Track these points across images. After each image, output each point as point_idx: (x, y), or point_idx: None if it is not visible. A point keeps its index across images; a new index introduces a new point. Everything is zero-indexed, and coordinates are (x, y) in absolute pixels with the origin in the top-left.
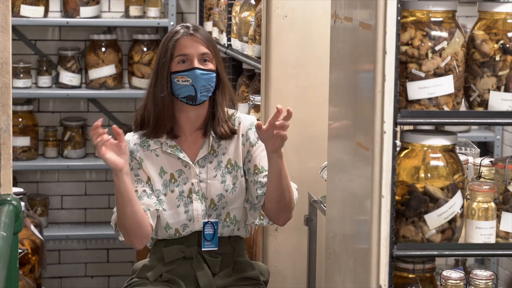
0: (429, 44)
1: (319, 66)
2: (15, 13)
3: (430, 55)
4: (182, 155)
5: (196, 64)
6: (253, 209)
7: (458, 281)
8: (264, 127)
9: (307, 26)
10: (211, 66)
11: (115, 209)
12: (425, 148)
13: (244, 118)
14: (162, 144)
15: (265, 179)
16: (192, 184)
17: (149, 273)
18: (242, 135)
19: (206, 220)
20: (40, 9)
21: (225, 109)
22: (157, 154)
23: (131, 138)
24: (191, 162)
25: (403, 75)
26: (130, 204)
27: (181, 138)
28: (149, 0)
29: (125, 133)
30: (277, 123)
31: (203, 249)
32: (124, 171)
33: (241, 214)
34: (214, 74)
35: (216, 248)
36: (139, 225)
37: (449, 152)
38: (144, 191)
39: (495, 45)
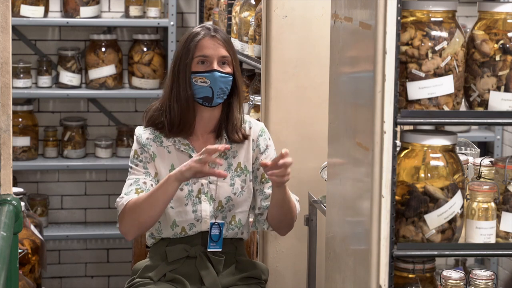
0: (429, 44)
1: (319, 66)
2: (15, 13)
3: (430, 55)
4: (194, 154)
5: (216, 66)
6: (257, 222)
7: (458, 281)
8: (269, 164)
9: (307, 26)
10: (229, 69)
11: (125, 196)
12: (425, 148)
13: (255, 124)
14: (175, 142)
15: (269, 191)
16: (202, 185)
17: (151, 273)
18: (253, 140)
19: (213, 221)
20: (40, 9)
21: (239, 115)
22: (170, 151)
23: (143, 132)
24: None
25: (403, 75)
26: (163, 208)
27: (193, 138)
28: (149, 0)
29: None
30: (275, 171)
31: (208, 250)
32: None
33: (246, 219)
34: (231, 78)
35: (220, 249)
36: (152, 225)
37: (449, 152)
38: (152, 185)
39: (495, 45)
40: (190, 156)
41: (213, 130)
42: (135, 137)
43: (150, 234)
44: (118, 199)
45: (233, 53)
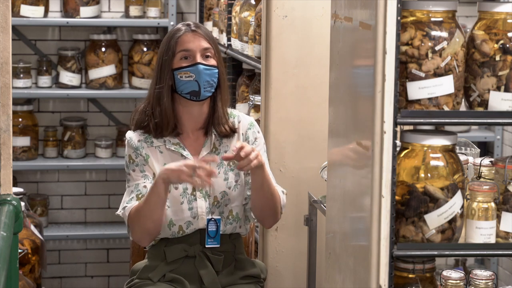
0: (429, 44)
1: (319, 66)
2: (15, 13)
3: (430, 55)
4: (185, 152)
5: (199, 59)
6: (245, 211)
7: (458, 281)
8: (231, 156)
9: (307, 26)
10: (213, 62)
11: (127, 205)
12: (425, 148)
13: (243, 118)
14: (165, 142)
15: None
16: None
17: (151, 273)
18: (242, 134)
19: (210, 217)
20: (40, 9)
21: (224, 108)
22: (161, 151)
23: (133, 135)
24: (194, 160)
25: (403, 75)
26: (162, 209)
27: (183, 136)
28: (149, 0)
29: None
30: (241, 163)
31: (206, 246)
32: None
33: (243, 212)
34: (217, 70)
35: (218, 245)
36: (159, 228)
37: (449, 152)
38: None
39: (495, 45)
40: (181, 155)
41: (202, 126)
42: (126, 142)
43: None
44: (121, 210)
45: (216, 46)
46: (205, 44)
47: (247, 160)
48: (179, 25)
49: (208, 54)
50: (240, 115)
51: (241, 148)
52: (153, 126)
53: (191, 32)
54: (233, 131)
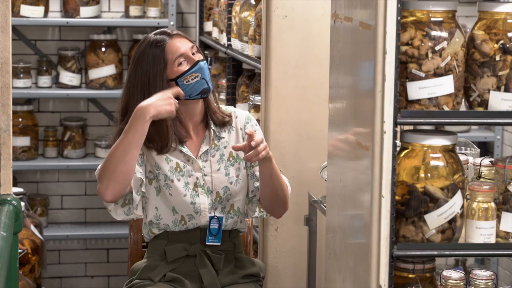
0: (429, 44)
1: (319, 66)
2: (15, 13)
3: (430, 55)
4: (185, 149)
5: (195, 57)
6: (250, 203)
7: (458, 281)
8: (240, 146)
9: (307, 26)
10: (201, 56)
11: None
12: (425, 148)
13: (239, 113)
14: None
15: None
16: (197, 178)
17: (151, 273)
18: (241, 128)
19: (212, 214)
20: (40, 9)
21: (214, 95)
22: None
23: None
24: (194, 156)
25: (403, 75)
26: (138, 150)
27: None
28: (149, 0)
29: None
30: (249, 154)
31: (207, 243)
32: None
33: (244, 206)
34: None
35: (219, 244)
36: (128, 175)
37: (449, 152)
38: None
39: (495, 45)
40: (181, 152)
41: (201, 120)
42: None
43: (148, 221)
44: (98, 167)
45: (193, 41)
46: (189, 43)
47: (255, 151)
48: (156, 36)
49: (195, 51)
50: (236, 111)
51: (251, 136)
52: (156, 147)
53: (172, 37)
54: (227, 115)
